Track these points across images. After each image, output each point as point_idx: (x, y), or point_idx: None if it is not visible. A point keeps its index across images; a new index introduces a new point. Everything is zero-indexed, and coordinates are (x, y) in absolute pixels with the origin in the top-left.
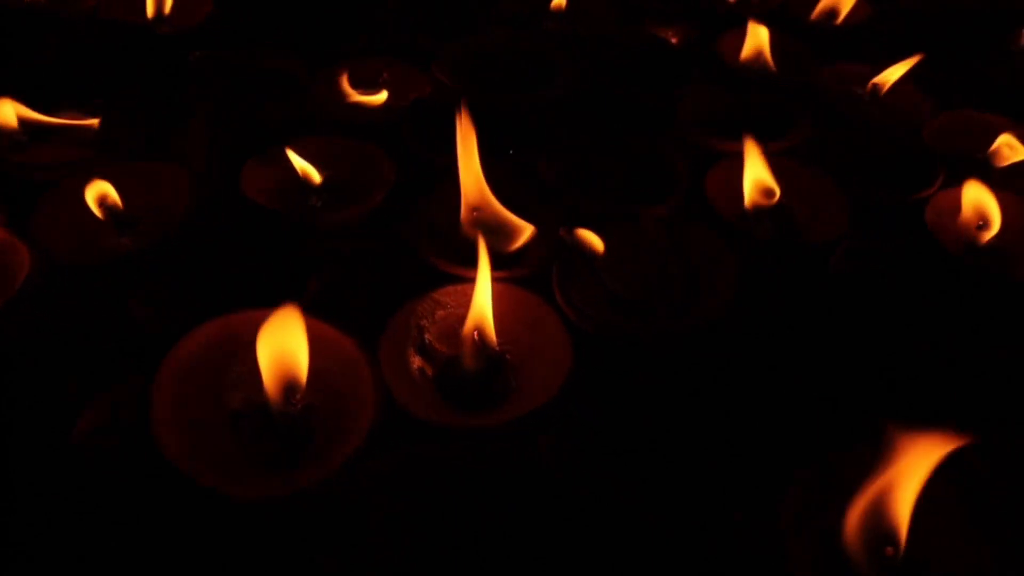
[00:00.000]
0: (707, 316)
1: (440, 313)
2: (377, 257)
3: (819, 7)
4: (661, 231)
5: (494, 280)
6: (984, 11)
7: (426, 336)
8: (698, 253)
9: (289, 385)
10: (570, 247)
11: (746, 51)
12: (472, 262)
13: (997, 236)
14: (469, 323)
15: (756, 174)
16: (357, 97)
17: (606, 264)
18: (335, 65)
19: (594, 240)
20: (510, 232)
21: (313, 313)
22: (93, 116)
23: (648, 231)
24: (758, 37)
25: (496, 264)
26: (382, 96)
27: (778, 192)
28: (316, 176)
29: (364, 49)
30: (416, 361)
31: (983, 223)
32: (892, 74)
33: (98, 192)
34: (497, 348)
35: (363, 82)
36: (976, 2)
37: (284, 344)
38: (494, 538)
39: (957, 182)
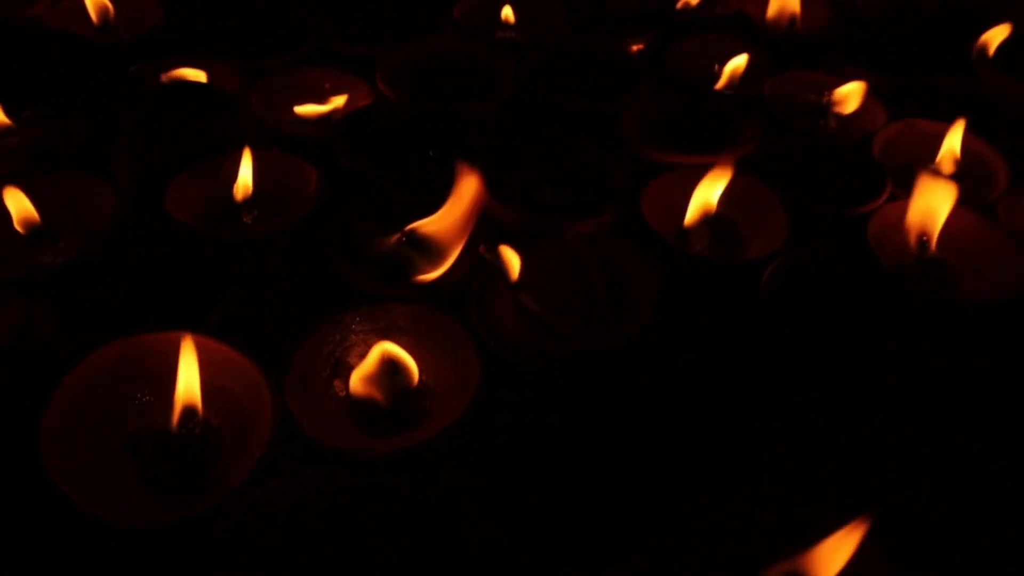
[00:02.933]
0: (622, 338)
1: (357, 334)
2: (298, 275)
3: (775, 13)
4: (586, 248)
5: (411, 300)
6: (943, 20)
7: (341, 357)
8: (623, 270)
9: (186, 409)
10: (491, 265)
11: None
12: (394, 281)
13: (943, 252)
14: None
15: (705, 195)
16: (299, 110)
17: (527, 283)
18: (274, 76)
19: (515, 258)
20: (441, 251)
21: (225, 333)
22: (24, 126)
23: (573, 248)
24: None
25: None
26: (329, 106)
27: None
28: (249, 187)
29: (308, 58)
30: (331, 383)
31: (926, 238)
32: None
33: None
34: (413, 372)
35: (305, 93)
36: (935, 10)
37: (183, 369)
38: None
39: (906, 194)
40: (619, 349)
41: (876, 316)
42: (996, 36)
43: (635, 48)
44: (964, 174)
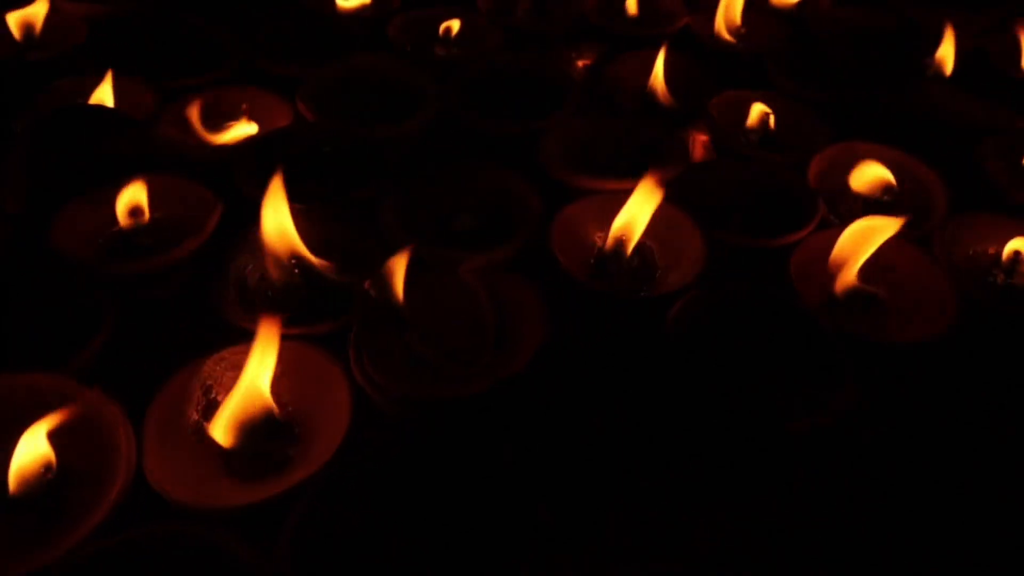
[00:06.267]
0: (499, 382)
1: (231, 374)
2: (177, 311)
3: (723, 27)
4: (477, 283)
5: (290, 338)
6: (897, 38)
7: (213, 399)
8: (516, 306)
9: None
10: (377, 301)
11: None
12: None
13: (874, 286)
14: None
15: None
16: (210, 136)
17: (414, 322)
18: (191, 96)
19: (401, 295)
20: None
21: (88, 372)
22: None
23: (464, 282)
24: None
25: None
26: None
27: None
28: (143, 216)
29: (229, 78)
30: (198, 426)
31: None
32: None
33: None
34: (280, 414)
35: (221, 114)
36: (889, 28)
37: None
38: None
39: (838, 223)
40: (499, 391)
41: (790, 358)
42: (948, 53)
43: (580, 64)
44: (898, 201)
